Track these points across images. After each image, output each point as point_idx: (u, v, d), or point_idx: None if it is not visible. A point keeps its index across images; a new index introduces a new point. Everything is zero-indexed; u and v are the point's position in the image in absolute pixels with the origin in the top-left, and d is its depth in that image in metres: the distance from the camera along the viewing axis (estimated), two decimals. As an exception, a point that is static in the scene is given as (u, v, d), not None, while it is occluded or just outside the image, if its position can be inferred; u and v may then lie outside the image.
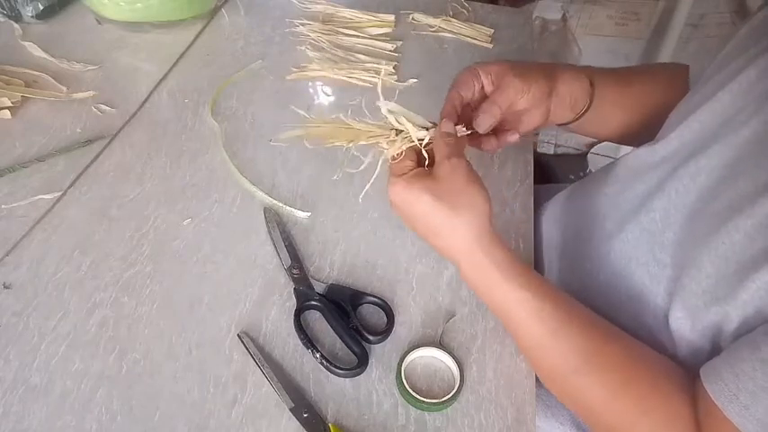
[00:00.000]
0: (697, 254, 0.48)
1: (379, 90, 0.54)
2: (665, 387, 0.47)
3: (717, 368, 0.43)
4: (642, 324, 0.54)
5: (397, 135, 0.55)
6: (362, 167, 0.56)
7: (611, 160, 0.72)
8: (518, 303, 0.50)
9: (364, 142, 0.55)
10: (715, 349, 0.47)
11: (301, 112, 0.59)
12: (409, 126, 0.54)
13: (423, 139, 0.54)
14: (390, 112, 0.54)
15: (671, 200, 0.54)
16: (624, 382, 0.48)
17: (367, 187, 0.55)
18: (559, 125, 0.66)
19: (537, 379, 0.54)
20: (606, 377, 0.48)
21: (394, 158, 0.53)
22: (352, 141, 0.56)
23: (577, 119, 0.65)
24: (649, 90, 0.68)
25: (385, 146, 0.54)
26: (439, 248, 0.53)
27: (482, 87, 0.59)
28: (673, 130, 0.57)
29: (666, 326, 0.51)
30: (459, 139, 0.53)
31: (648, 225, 0.56)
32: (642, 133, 0.65)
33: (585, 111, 0.64)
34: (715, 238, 0.47)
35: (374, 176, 0.54)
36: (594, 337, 0.50)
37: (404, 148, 0.54)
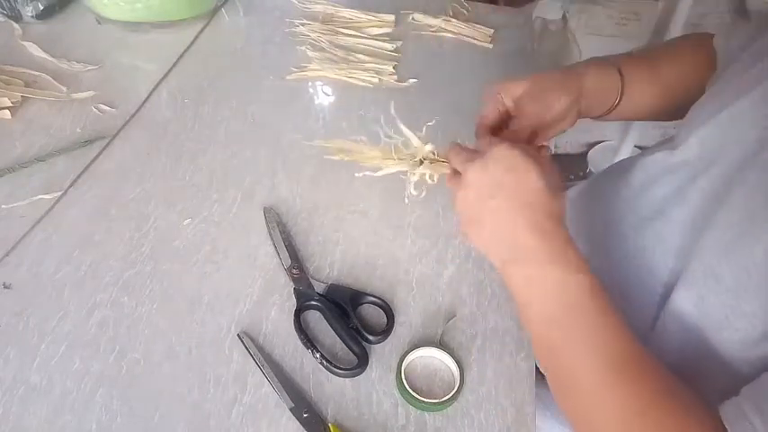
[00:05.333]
0: (717, 263, 0.47)
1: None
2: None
3: (739, 406, 0.40)
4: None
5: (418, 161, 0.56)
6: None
7: (612, 161, 0.72)
8: (579, 287, 0.45)
9: (390, 169, 0.57)
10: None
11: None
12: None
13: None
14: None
15: (690, 208, 0.53)
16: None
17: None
18: (591, 118, 0.66)
19: (537, 379, 0.54)
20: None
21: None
22: (379, 170, 0.57)
23: (608, 113, 0.64)
24: (677, 71, 0.67)
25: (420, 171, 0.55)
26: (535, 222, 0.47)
27: (507, 108, 0.59)
28: (691, 134, 0.56)
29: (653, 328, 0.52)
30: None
31: (662, 229, 0.56)
32: (672, 112, 0.64)
33: (616, 105, 0.63)
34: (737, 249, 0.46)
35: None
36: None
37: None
